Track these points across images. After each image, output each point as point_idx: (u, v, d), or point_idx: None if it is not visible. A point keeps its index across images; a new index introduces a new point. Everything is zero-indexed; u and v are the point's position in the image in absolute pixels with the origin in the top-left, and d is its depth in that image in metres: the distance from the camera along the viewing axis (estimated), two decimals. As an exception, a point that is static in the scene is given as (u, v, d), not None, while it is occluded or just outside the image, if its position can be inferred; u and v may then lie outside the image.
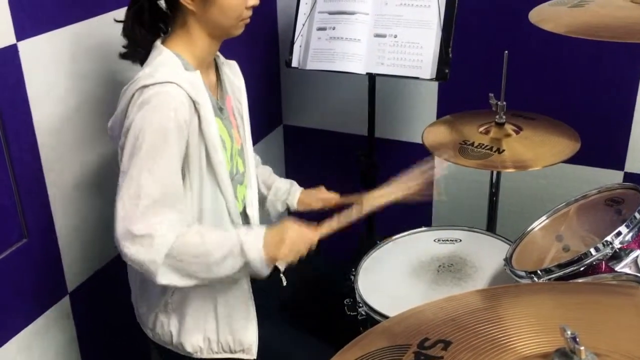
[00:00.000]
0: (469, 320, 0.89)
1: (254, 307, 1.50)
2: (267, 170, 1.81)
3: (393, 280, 1.64)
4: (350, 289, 1.63)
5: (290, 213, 1.79)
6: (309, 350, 1.52)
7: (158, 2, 1.45)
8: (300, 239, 1.40)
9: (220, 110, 1.49)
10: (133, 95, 1.33)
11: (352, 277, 1.65)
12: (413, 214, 2.49)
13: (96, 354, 1.79)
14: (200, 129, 1.37)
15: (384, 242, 1.79)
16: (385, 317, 1.50)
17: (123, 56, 1.47)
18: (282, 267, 1.57)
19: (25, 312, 1.56)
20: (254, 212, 1.60)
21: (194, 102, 1.35)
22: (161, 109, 1.30)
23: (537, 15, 1.45)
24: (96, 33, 1.62)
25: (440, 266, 1.67)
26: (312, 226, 1.43)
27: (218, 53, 1.57)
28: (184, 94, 1.33)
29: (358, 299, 1.58)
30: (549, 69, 2.13)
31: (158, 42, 1.43)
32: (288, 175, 2.62)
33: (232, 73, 1.60)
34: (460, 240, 1.77)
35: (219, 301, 1.47)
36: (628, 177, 2.16)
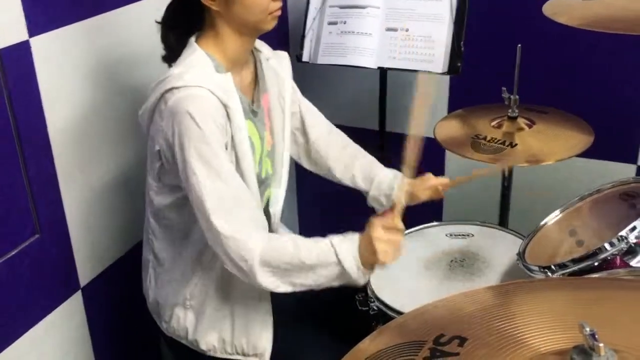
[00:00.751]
0: (484, 316, 0.89)
1: (271, 314, 1.49)
2: (367, 161, 1.73)
3: (405, 275, 1.63)
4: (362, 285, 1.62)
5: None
6: (320, 345, 1.52)
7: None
8: (387, 233, 1.31)
9: (252, 112, 1.47)
10: (163, 95, 1.32)
11: (364, 272, 1.65)
12: (424, 209, 2.48)
13: (108, 349, 1.80)
14: (231, 133, 1.36)
15: (396, 237, 1.78)
16: (397, 312, 1.49)
17: (165, 58, 1.46)
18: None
19: (38, 307, 1.56)
20: (276, 211, 1.59)
21: (224, 106, 1.34)
22: (197, 115, 1.28)
23: (551, 8, 1.44)
24: (109, 28, 1.62)
25: (452, 261, 1.67)
26: (390, 215, 1.35)
27: (262, 46, 1.56)
28: (215, 98, 1.32)
29: (370, 294, 1.58)
30: (562, 63, 2.12)
31: (192, 40, 1.41)
32: (298, 170, 2.63)
33: (280, 65, 1.58)
34: (472, 235, 1.77)
35: (236, 304, 1.47)
36: (641, 170, 2.14)
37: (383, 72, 2.07)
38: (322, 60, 2.02)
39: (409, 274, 1.63)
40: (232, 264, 1.31)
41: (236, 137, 1.37)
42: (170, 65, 1.42)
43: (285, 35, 2.44)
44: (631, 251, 1.30)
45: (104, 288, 1.74)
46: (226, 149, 1.35)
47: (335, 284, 1.33)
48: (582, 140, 1.72)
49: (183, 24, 1.44)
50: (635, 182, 1.51)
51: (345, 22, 2.00)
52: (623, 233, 1.30)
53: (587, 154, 1.70)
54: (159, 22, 1.44)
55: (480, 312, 0.91)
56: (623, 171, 2.15)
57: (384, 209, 1.67)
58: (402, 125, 2.40)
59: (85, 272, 1.67)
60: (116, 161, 1.70)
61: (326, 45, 2.02)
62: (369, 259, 1.31)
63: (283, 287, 1.33)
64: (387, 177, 1.69)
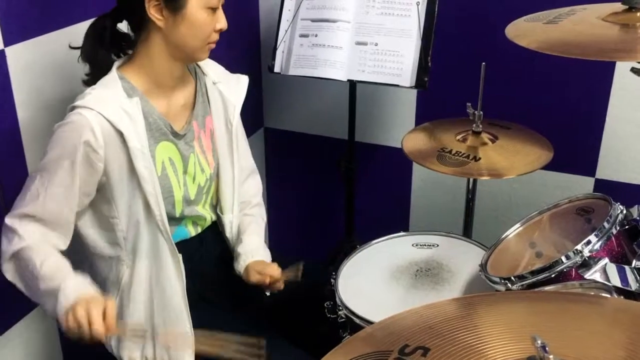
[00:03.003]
0: (447, 327, 0.94)
1: (192, 331, 1.48)
2: (248, 219, 1.71)
3: (372, 284, 1.68)
4: (330, 292, 1.67)
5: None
6: (290, 354, 1.55)
7: (119, 23, 1.46)
8: (89, 304, 1.27)
9: (173, 134, 1.49)
10: (68, 110, 1.37)
11: (333, 280, 1.69)
12: (391, 219, 2.55)
13: (78, 356, 1.81)
14: (128, 156, 1.39)
15: (363, 247, 1.83)
16: (365, 320, 1.54)
17: (86, 83, 1.45)
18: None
19: (10, 313, 1.57)
20: (233, 235, 1.65)
21: (118, 132, 1.36)
22: (73, 136, 1.34)
23: (513, 31, 1.50)
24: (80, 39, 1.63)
25: (418, 270, 1.72)
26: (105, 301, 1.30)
27: (212, 69, 1.59)
28: (104, 120, 1.35)
29: (338, 302, 1.62)
30: (525, 81, 2.19)
31: (115, 64, 1.44)
32: (269, 177, 2.67)
33: (229, 90, 1.60)
34: (438, 245, 1.82)
35: (157, 324, 1.49)
36: (599, 183, 2.23)
37: (353, 84, 2.12)
38: (293, 71, 2.06)
39: (376, 283, 1.68)
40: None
41: (135, 160, 1.39)
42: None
43: (258, 46, 2.48)
44: (585, 264, 1.36)
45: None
46: (106, 174, 1.39)
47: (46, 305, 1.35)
48: (542, 156, 1.79)
49: (115, 40, 1.46)
50: (591, 198, 1.58)
51: (316, 35, 2.05)
52: (578, 247, 1.37)
53: (547, 167, 1.78)
54: (74, 48, 1.46)
55: (444, 323, 0.96)
56: (582, 184, 2.24)
57: None
58: (371, 136, 2.47)
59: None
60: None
61: (297, 57, 2.06)
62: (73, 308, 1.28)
63: (9, 275, 1.39)
64: (246, 246, 1.64)
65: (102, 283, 1.49)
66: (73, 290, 1.30)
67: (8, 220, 1.38)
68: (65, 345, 1.75)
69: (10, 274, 1.38)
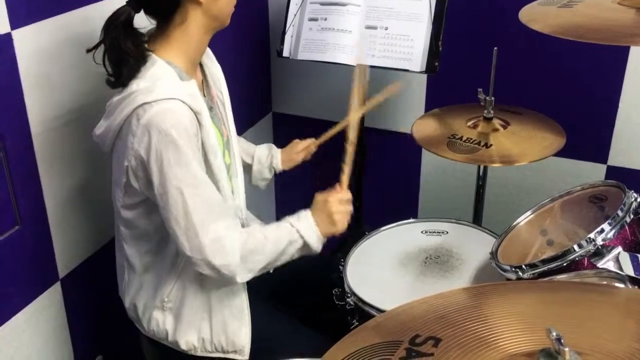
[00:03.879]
0: (458, 317, 0.93)
1: (249, 310, 1.52)
2: (242, 139, 1.82)
3: (381, 271, 1.67)
4: (339, 279, 1.66)
5: (276, 175, 1.85)
6: (299, 340, 1.55)
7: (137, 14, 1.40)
8: (341, 204, 1.48)
9: (210, 109, 1.49)
10: (134, 111, 1.31)
11: (341, 267, 1.68)
12: (400, 206, 2.53)
13: (86, 340, 1.81)
14: (202, 137, 1.38)
15: (372, 234, 1.82)
16: (373, 307, 1.53)
17: (113, 84, 1.39)
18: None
19: (18, 298, 1.57)
20: (241, 202, 1.62)
21: (196, 113, 1.35)
22: (174, 130, 1.30)
23: (527, 15, 1.47)
24: (92, 21, 1.61)
25: (427, 258, 1.71)
26: (336, 187, 1.51)
27: None
28: (187, 108, 1.33)
29: (347, 289, 1.61)
30: (537, 66, 2.16)
31: (149, 52, 1.38)
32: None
33: (211, 63, 1.59)
34: (447, 233, 1.81)
35: (213, 303, 1.49)
36: (611, 170, 2.20)
37: (362, 69, 2.10)
38: (302, 56, 2.04)
39: (385, 271, 1.67)
40: (212, 271, 1.37)
41: (206, 140, 1.39)
42: (122, 84, 1.37)
43: (266, 30, 2.45)
44: (598, 253, 1.34)
45: (83, 279, 1.75)
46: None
47: (296, 256, 1.47)
48: (554, 141, 1.77)
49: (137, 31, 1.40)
50: (604, 186, 1.56)
51: (325, 19, 2.02)
52: (591, 235, 1.35)
53: (559, 153, 1.75)
54: (90, 50, 1.39)
55: (455, 313, 0.95)
56: (594, 171, 2.22)
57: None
58: (380, 121, 2.45)
59: (64, 264, 1.68)
60: (97, 154, 1.71)
61: (306, 41, 2.04)
62: (327, 229, 1.47)
63: (247, 278, 1.43)
64: (264, 150, 1.82)
65: (162, 261, 1.49)
66: (303, 219, 1.44)
67: (197, 247, 1.35)
68: (74, 330, 1.76)
69: (250, 274, 1.41)
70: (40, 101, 1.52)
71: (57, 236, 1.63)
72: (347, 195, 1.51)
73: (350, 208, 1.51)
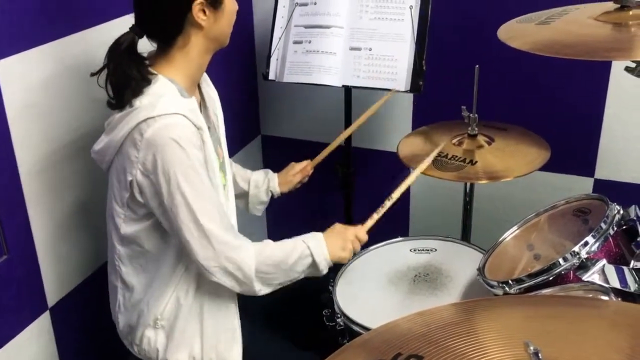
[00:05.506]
0: (441, 334, 0.93)
1: (240, 329, 1.52)
2: (237, 165, 1.84)
3: (370, 290, 1.67)
4: (329, 299, 1.66)
5: (273, 198, 1.87)
6: (290, 358, 1.55)
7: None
8: (356, 240, 1.57)
9: (208, 128, 1.50)
10: (137, 126, 1.32)
11: (331, 287, 1.68)
12: (389, 224, 2.53)
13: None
14: (205, 153, 1.40)
15: (361, 253, 1.82)
16: (363, 327, 1.53)
17: (114, 106, 1.40)
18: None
19: (5, 328, 1.56)
20: (233, 223, 1.62)
21: (198, 129, 1.38)
22: (180, 142, 1.32)
23: (505, 33, 1.49)
24: (76, 50, 1.63)
25: (416, 276, 1.71)
26: (358, 225, 1.60)
27: None
28: (189, 123, 1.35)
29: (336, 309, 1.61)
30: (520, 82, 2.18)
31: (151, 70, 1.40)
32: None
33: (208, 87, 1.61)
34: (436, 250, 1.81)
35: (206, 320, 1.49)
36: (598, 183, 2.21)
37: (348, 89, 2.11)
38: (287, 78, 2.06)
39: (374, 289, 1.67)
40: (228, 277, 1.39)
41: (207, 157, 1.41)
42: (123, 105, 1.39)
43: (252, 54, 2.47)
44: (583, 266, 1.34)
45: (73, 308, 1.74)
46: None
47: (302, 276, 1.51)
48: (539, 156, 1.78)
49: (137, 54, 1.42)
50: (588, 199, 1.57)
51: (310, 42, 2.04)
52: (576, 249, 1.36)
53: (545, 167, 1.76)
54: (94, 74, 1.40)
55: (439, 330, 0.95)
56: (581, 184, 2.23)
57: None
58: (368, 141, 2.46)
59: (53, 292, 1.67)
60: (84, 182, 1.71)
61: (292, 64, 2.05)
62: (336, 253, 1.53)
63: (265, 290, 1.46)
64: (260, 175, 1.84)
65: (158, 278, 1.48)
66: (313, 239, 1.50)
67: (212, 255, 1.38)
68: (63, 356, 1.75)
69: (265, 286, 1.45)
70: (28, 130, 1.53)
71: (45, 264, 1.63)
72: (365, 236, 1.59)
73: (359, 248, 1.58)
